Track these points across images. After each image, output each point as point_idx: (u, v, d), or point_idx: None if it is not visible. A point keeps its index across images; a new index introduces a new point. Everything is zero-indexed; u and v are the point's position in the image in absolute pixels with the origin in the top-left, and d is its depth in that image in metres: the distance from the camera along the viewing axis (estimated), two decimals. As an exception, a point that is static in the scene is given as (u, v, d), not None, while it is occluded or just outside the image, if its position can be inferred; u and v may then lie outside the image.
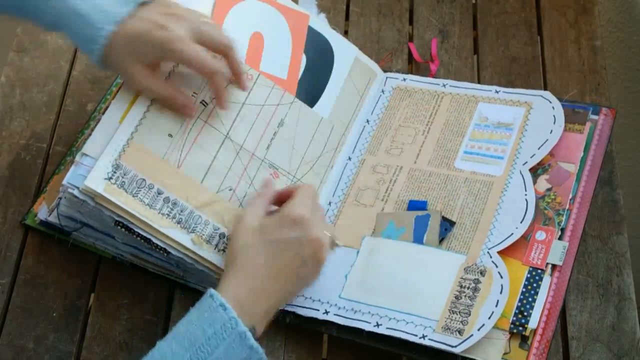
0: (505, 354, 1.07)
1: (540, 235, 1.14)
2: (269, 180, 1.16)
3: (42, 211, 1.20)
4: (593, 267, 1.17)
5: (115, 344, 1.14)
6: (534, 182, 1.18)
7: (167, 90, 1.13)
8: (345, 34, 1.41)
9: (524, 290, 1.10)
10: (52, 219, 1.16)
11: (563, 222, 1.15)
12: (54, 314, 1.16)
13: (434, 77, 1.34)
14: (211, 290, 1.00)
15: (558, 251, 1.13)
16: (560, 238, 1.14)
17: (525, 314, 1.08)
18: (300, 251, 1.04)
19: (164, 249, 1.11)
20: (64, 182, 1.10)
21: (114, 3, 1.07)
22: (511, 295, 1.10)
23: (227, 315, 0.98)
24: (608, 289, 1.15)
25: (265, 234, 1.05)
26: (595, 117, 1.24)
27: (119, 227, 1.11)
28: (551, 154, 1.20)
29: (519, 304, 1.09)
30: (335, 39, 1.32)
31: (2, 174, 1.25)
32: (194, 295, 1.16)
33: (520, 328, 1.08)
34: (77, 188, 1.09)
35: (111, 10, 1.07)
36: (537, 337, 1.08)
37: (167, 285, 1.18)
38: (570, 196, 1.17)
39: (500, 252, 1.13)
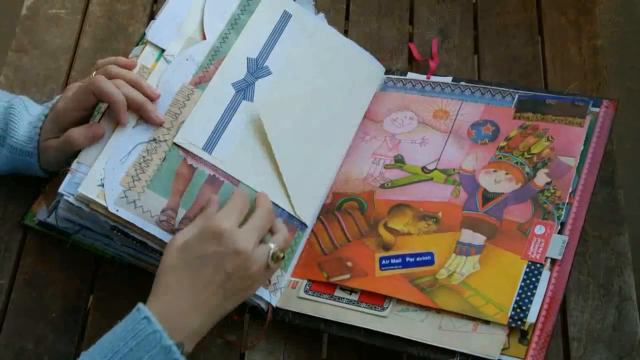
0: (504, 349, 1.07)
1: (539, 229, 1.14)
2: (212, 198, 1.10)
3: (41, 212, 1.20)
4: (594, 268, 1.16)
5: (114, 345, 1.14)
6: (534, 176, 1.18)
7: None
8: (345, 33, 1.40)
9: (522, 284, 1.10)
10: (51, 220, 1.16)
11: (563, 216, 1.15)
12: (53, 315, 1.16)
13: (434, 74, 1.33)
14: (139, 304, 1.00)
15: (557, 245, 1.12)
16: (560, 232, 1.14)
17: (524, 308, 1.08)
18: (221, 265, 1.02)
19: (160, 252, 1.12)
20: (60, 189, 1.11)
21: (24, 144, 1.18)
22: (510, 290, 1.10)
23: (150, 328, 0.98)
24: (609, 290, 1.15)
25: (186, 252, 1.03)
26: (596, 109, 1.24)
27: (115, 232, 1.12)
28: (551, 147, 1.20)
29: (518, 298, 1.09)
30: None
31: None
32: (193, 295, 1.16)
33: (519, 322, 1.07)
34: (73, 195, 1.11)
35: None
36: (537, 332, 1.08)
37: (167, 286, 1.18)
38: (570, 190, 1.17)
39: (498, 246, 1.13)
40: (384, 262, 1.16)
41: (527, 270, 1.11)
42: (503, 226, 1.15)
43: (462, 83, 1.30)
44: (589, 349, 1.11)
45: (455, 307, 1.10)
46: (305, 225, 1.20)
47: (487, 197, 1.19)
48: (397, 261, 1.16)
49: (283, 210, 1.17)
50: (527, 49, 1.38)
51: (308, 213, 1.20)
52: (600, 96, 1.29)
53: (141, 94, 1.15)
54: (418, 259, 1.15)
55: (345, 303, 1.14)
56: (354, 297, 1.14)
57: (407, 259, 1.16)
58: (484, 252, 1.14)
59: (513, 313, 1.08)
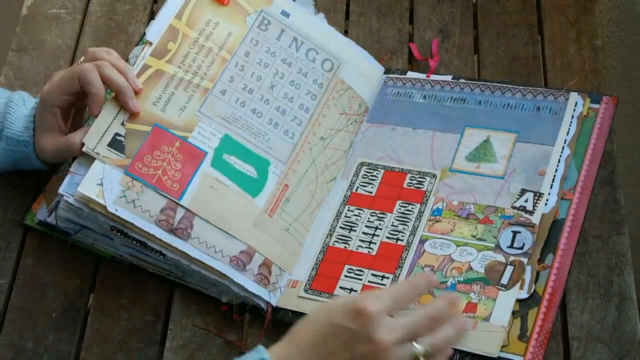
0: (504, 346, 1.07)
1: None
2: (428, 278, 1.00)
3: (41, 211, 1.20)
4: (594, 267, 1.16)
5: (114, 344, 1.14)
6: None
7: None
8: (345, 33, 1.40)
9: None
10: (51, 220, 1.16)
11: None
12: (53, 314, 1.16)
13: (433, 73, 1.33)
14: (259, 346, 0.98)
15: None
16: (559, 229, 1.14)
17: None
18: (351, 345, 0.94)
19: (160, 251, 1.12)
20: (60, 190, 1.12)
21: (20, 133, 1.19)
22: None
23: None
24: (609, 289, 1.15)
25: (327, 314, 0.96)
26: (596, 106, 1.23)
27: (114, 232, 1.13)
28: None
29: None
30: None
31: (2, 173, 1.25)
32: (193, 295, 1.16)
33: None
34: (73, 196, 1.12)
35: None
36: (536, 329, 1.07)
37: (167, 286, 1.18)
38: (571, 186, 1.17)
39: None
40: None
41: None
42: None
43: (462, 80, 1.30)
44: (589, 348, 1.11)
45: None
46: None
47: None
48: None
49: None
50: (527, 49, 1.38)
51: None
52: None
53: (124, 79, 1.16)
54: None
55: (345, 302, 1.13)
56: (354, 295, 1.14)
57: None
58: None
59: None
